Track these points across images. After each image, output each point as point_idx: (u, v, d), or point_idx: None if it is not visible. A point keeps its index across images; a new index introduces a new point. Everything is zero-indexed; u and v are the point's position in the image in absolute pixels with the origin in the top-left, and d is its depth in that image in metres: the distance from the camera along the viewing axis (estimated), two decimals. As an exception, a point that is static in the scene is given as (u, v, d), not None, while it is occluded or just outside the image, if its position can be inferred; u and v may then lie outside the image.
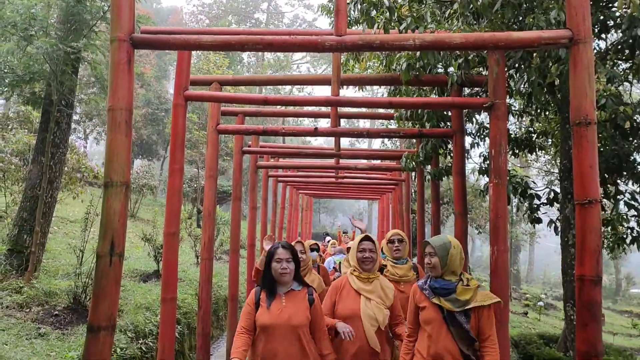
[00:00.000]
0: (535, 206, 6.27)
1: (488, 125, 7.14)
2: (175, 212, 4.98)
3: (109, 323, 3.31)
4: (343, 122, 21.12)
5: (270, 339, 3.44)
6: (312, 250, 6.02)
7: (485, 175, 6.63)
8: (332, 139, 8.66)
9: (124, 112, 3.47)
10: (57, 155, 7.65)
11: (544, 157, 16.33)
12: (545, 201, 6.32)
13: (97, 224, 3.72)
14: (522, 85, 5.45)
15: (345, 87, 7.80)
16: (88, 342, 3.28)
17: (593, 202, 3.18)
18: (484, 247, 38.36)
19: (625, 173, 5.75)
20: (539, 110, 6.78)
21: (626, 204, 5.67)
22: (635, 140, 5.40)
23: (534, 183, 6.74)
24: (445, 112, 6.75)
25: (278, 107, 8.91)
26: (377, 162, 13.29)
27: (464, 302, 3.24)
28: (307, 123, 31.87)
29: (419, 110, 6.72)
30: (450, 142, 6.94)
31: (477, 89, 6.41)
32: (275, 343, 3.43)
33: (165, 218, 4.99)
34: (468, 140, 6.80)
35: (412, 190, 12.97)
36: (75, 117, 23.52)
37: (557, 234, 6.26)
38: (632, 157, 5.58)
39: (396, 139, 15.31)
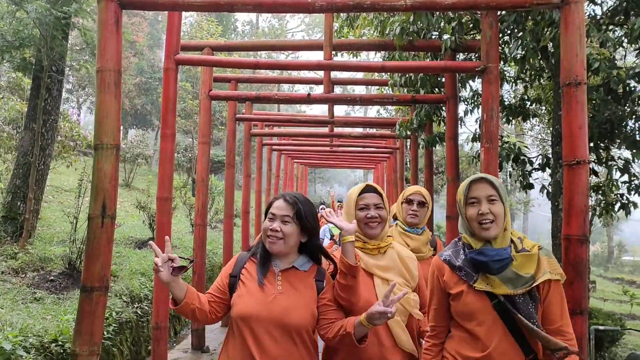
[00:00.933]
0: (528, 172, 6.30)
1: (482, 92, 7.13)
2: (167, 176, 4.99)
3: (102, 284, 3.35)
4: (338, 90, 20.98)
5: (250, 336, 2.24)
6: None
7: (478, 141, 6.65)
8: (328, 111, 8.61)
9: (113, 73, 3.45)
10: (49, 122, 7.60)
11: (539, 126, 16.33)
12: (538, 166, 6.35)
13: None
14: (516, 50, 5.42)
15: (339, 54, 7.74)
16: (82, 302, 3.33)
17: (581, 163, 3.19)
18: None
19: (618, 140, 5.76)
20: (532, 77, 6.75)
21: (619, 169, 5.69)
22: (628, 105, 5.39)
23: (527, 149, 6.74)
24: (438, 79, 6.72)
25: (271, 74, 8.84)
26: (372, 130, 13.28)
27: (528, 278, 2.11)
28: (301, 92, 31.67)
29: (413, 77, 6.68)
30: (444, 109, 6.93)
31: (471, 54, 6.37)
32: (257, 344, 2.22)
33: (158, 183, 5.00)
34: (462, 107, 6.80)
35: (407, 159, 13.00)
36: (68, 87, 23.37)
37: (549, 199, 6.30)
38: (625, 122, 5.58)
39: (391, 109, 15.25)
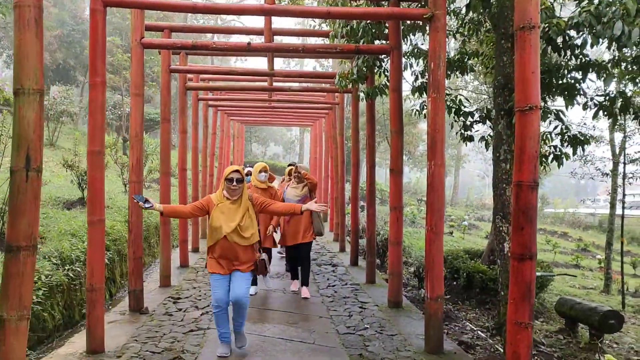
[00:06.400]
0: (469, 123, 6.35)
1: (422, 46, 7.05)
2: (98, 128, 4.61)
3: (29, 243, 3.06)
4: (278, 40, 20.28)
5: None
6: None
7: (418, 94, 6.61)
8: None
9: (33, 8, 3.06)
10: (-40, 72, 6.90)
11: (473, 83, 16.65)
12: (478, 119, 6.41)
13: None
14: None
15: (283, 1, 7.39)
16: (7, 264, 3.03)
17: (533, 108, 3.16)
18: (412, 174, 39.55)
19: (554, 89, 5.85)
20: (471, 31, 6.74)
21: (556, 117, 5.80)
22: (567, 55, 5.46)
23: (468, 101, 6.78)
24: (382, 29, 6.57)
25: (207, 23, 8.38)
26: (312, 85, 13.02)
27: None
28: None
29: (355, 26, 6.49)
30: (386, 60, 6.81)
31: (416, 3, 6.24)
32: None
33: (88, 135, 4.61)
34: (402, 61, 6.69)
35: (346, 117, 12.89)
36: (-20, 38, 21.51)
37: (487, 150, 6.40)
38: (562, 73, 5.66)
39: (328, 65, 15.02)
